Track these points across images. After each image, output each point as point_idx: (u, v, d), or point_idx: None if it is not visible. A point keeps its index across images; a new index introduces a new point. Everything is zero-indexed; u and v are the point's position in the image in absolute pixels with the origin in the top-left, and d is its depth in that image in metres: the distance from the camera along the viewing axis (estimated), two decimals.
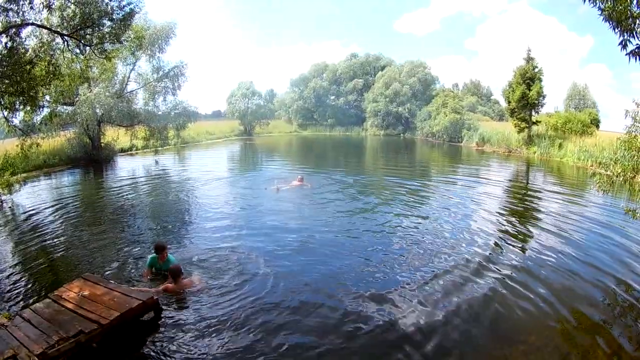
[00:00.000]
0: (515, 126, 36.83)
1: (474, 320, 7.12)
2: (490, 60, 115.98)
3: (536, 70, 34.98)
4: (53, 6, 12.33)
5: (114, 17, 13.23)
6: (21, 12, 12.04)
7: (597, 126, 38.12)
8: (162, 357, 6.17)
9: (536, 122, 36.27)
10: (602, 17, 8.06)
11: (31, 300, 7.67)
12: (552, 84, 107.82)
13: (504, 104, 42.60)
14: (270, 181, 20.09)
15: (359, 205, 15.72)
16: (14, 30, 11.99)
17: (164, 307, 7.37)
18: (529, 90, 34.33)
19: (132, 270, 9.40)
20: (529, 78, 34.69)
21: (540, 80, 34.66)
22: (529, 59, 35.28)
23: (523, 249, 10.90)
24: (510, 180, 23.58)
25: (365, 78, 74.07)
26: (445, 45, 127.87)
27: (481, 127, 46.75)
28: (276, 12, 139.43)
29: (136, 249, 10.79)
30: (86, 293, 7.22)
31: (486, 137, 42.71)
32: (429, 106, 58.48)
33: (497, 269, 9.32)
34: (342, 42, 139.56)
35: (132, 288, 7.76)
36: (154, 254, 8.95)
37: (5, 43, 11.99)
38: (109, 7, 13.10)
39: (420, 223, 13.18)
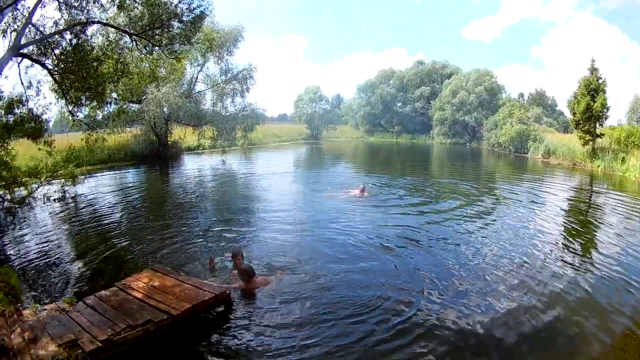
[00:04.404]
0: (580, 138, 35.36)
1: (524, 332, 6.87)
2: (556, 69, 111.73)
3: (600, 81, 33.26)
4: (124, 5, 12.81)
5: (184, 19, 13.66)
6: (86, 10, 12.66)
7: None
8: (231, 352, 6.11)
9: (600, 135, 34.81)
10: None
11: (94, 289, 7.54)
12: (614, 95, 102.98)
13: (568, 115, 41.08)
14: (334, 187, 20.02)
15: (423, 214, 15.15)
16: (78, 27, 12.63)
17: (234, 302, 7.41)
18: (594, 101, 32.97)
19: (197, 265, 9.38)
20: (593, 89, 33.04)
21: (604, 91, 33.00)
22: (593, 70, 33.62)
23: (584, 263, 10.20)
24: (574, 193, 22.35)
25: (432, 86, 72.98)
26: (511, 54, 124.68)
27: (547, 138, 45.43)
28: (344, 20, 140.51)
29: (201, 244, 10.93)
30: (156, 284, 7.30)
31: (552, 149, 41.37)
32: (496, 115, 57.15)
33: (556, 281, 8.95)
34: (408, 50, 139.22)
35: (204, 281, 7.75)
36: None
37: (70, 40, 12.71)
38: (179, 9, 13.53)
39: (483, 232, 12.87)
